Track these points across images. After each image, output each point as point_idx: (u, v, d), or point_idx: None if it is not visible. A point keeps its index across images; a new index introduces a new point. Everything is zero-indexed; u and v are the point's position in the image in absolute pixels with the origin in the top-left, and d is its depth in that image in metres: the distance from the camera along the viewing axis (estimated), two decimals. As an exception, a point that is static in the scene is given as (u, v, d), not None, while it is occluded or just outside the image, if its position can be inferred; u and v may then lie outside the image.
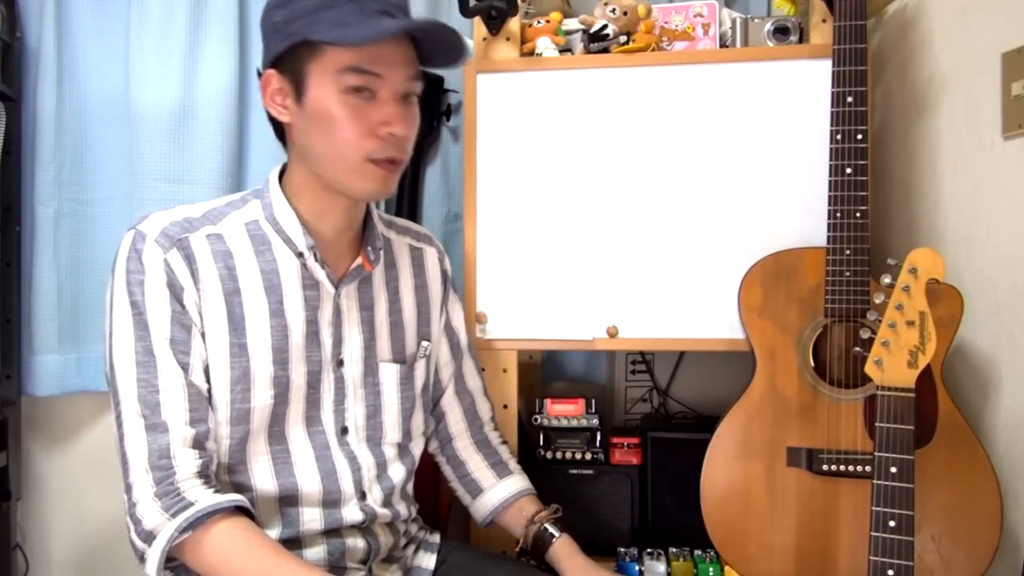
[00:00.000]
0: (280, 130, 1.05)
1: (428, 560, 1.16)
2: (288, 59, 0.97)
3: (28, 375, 1.61)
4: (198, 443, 0.94)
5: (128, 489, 0.92)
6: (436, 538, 1.20)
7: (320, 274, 1.03)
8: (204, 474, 0.94)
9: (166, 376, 0.93)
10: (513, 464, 1.25)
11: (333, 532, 1.04)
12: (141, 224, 0.97)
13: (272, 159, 1.71)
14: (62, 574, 1.75)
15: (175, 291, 0.95)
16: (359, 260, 1.06)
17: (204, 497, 0.91)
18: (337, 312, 1.05)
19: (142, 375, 0.93)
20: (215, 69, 1.59)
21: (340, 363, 1.06)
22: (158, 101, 1.57)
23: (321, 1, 0.93)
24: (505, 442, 1.29)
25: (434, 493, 1.41)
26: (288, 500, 1.01)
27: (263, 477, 1.00)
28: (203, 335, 0.97)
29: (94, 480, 1.74)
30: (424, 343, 1.16)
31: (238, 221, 1.02)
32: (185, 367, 0.95)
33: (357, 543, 1.05)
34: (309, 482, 1.02)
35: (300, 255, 1.01)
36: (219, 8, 1.59)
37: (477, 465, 1.23)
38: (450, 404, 1.24)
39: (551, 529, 1.15)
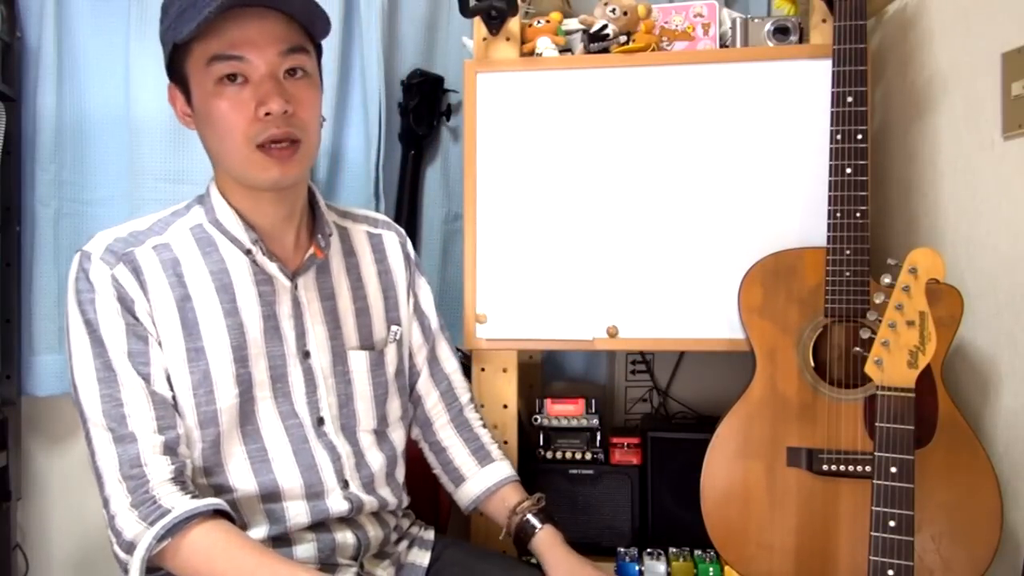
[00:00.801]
0: None
1: (422, 557, 1.16)
2: (173, 68, 1.00)
3: (28, 375, 1.61)
4: (169, 449, 0.95)
5: (105, 503, 0.93)
6: (431, 535, 1.20)
7: (271, 267, 1.03)
8: (179, 480, 0.94)
9: (128, 389, 0.94)
10: (495, 450, 1.24)
11: (321, 526, 1.04)
12: (87, 245, 0.99)
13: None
14: (62, 574, 1.75)
15: (126, 304, 0.96)
16: (311, 250, 1.07)
17: (180, 503, 0.91)
18: (296, 304, 1.05)
19: (104, 391, 0.94)
20: (215, 69, 1.59)
21: (307, 354, 1.06)
22: (158, 101, 1.56)
23: (176, 8, 0.95)
24: (485, 425, 1.27)
25: (433, 491, 1.41)
26: (270, 497, 1.01)
27: (241, 477, 1.00)
28: (160, 344, 0.98)
29: (94, 480, 1.74)
30: (394, 327, 1.16)
31: (183, 227, 1.03)
32: (146, 377, 0.96)
33: (346, 538, 1.05)
34: (289, 477, 1.02)
35: (248, 252, 1.02)
36: (219, 8, 1.59)
37: (458, 452, 1.22)
38: (426, 388, 1.23)
39: (533, 520, 1.14)
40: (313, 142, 1.01)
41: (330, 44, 1.63)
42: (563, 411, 1.54)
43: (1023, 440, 1.14)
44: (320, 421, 1.06)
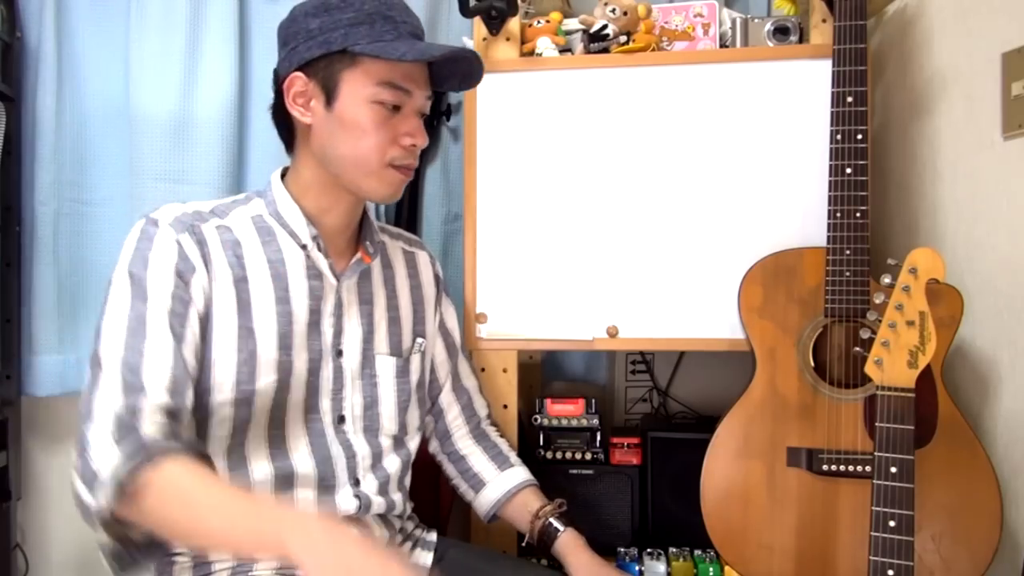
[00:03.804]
0: (285, 130, 1.09)
1: (425, 558, 1.16)
2: (320, 65, 1.01)
3: (28, 375, 1.61)
4: (171, 413, 0.91)
5: (81, 438, 0.87)
6: (433, 536, 1.21)
7: (323, 264, 1.07)
8: (169, 439, 0.88)
9: (155, 343, 0.92)
10: (514, 457, 1.27)
11: None
12: (153, 212, 1.01)
13: (271, 158, 1.72)
14: (62, 574, 1.75)
15: (181, 269, 0.97)
16: (359, 254, 1.11)
17: (162, 440, 0.86)
18: (339, 303, 1.09)
19: (130, 340, 0.92)
20: (215, 69, 1.59)
21: (339, 353, 1.09)
22: (158, 101, 1.57)
23: (357, 16, 0.99)
24: (503, 436, 1.31)
25: (434, 493, 1.41)
26: (283, 482, 1.03)
27: (259, 461, 1.02)
28: (207, 317, 0.98)
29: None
30: (419, 339, 1.20)
31: (244, 215, 1.06)
32: (179, 338, 0.94)
33: None
34: (304, 465, 1.04)
35: (304, 246, 1.06)
36: (219, 8, 1.59)
37: (478, 459, 1.25)
38: (448, 401, 1.27)
39: (556, 523, 1.16)
40: None
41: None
42: (563, 411, 1.53)
43: (1023, 440, 1.14)
44: (341, 419, 1.09)
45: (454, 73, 1.09)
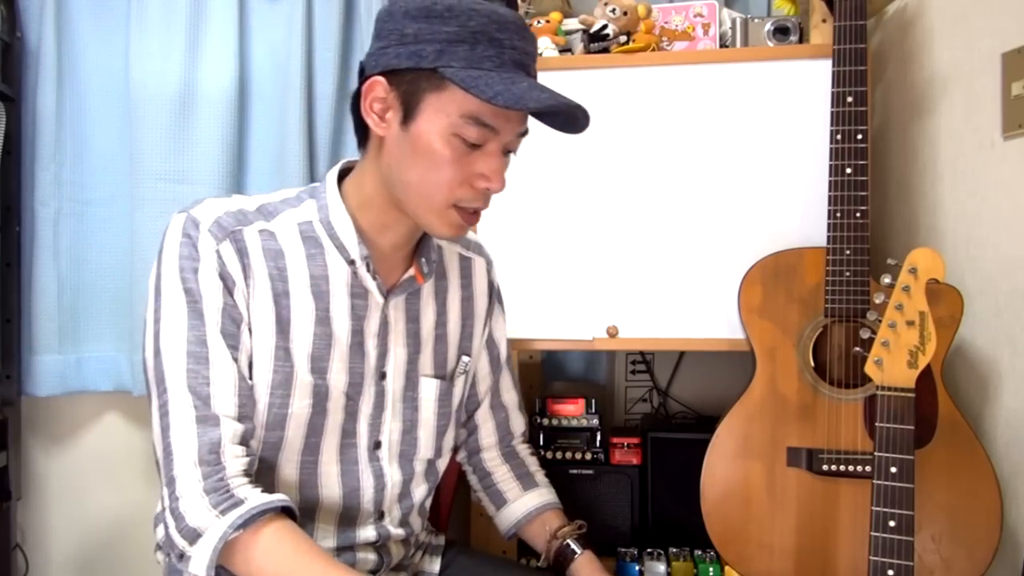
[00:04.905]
0: (360, 127, 0.98)
1: (433, 564, 1.15)
2: (405, 77, 0.89)
3: (28, 375, 1.61)
4: (245, 440, 0.91)
5: (171, 482, 0.86)
6: (441, 540, 1.20)
7: (371, 284, 0.99)
8: (249, 472, 0.90)
9: (218, 368, 0.89)
10: (540, 477, 1.22)
11: (344, 549, 1.02)
12: (194, 209, 0.93)
13: (272, 159, 1.72)
14: (62, 574, 1.75)
15: (227, 283, 0.91)
16: (411, 271, 1.02)
17: (253, 496, 0.87)
18: (384, 323, 1.01)
19: (192, 365, 0.88)
20: (215, 69, 1.59)
21: (383, 376, 1.02)
22: (158, 101, 1.57)
23: (460, 33, 0.86)
24: (534, 454, 1.25)
25: (435, 494, 1.41)
26: (306, 513, 0.98)
27: (287, 489, 0.96)
28: (250, 331, 0.93)
29: (94, 480, 1.74)
30: (464, 358, 1.13)
31: (291, 220, 0.97)
32: (235, 360, 0.91)
33: (368, 556, 1.04)
34: (330, 496, 1.00)
35: (352, 262, 0.97)
36: (219, 8, 1.59)
37: (503, 476, 1.20)
38: (484, 418, 1.20)
39: (573, 545, 1.12)
40: None
41: (330, 46, 1.63)
42: (563, 411, 1.54)
43: (1023, 440, 1.14)
44: (377, 445, 1.03)
45: (556, 111, 0.92)
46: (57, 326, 1.60)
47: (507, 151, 0.94)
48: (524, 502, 1.18)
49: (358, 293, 0.99)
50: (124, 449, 1.75)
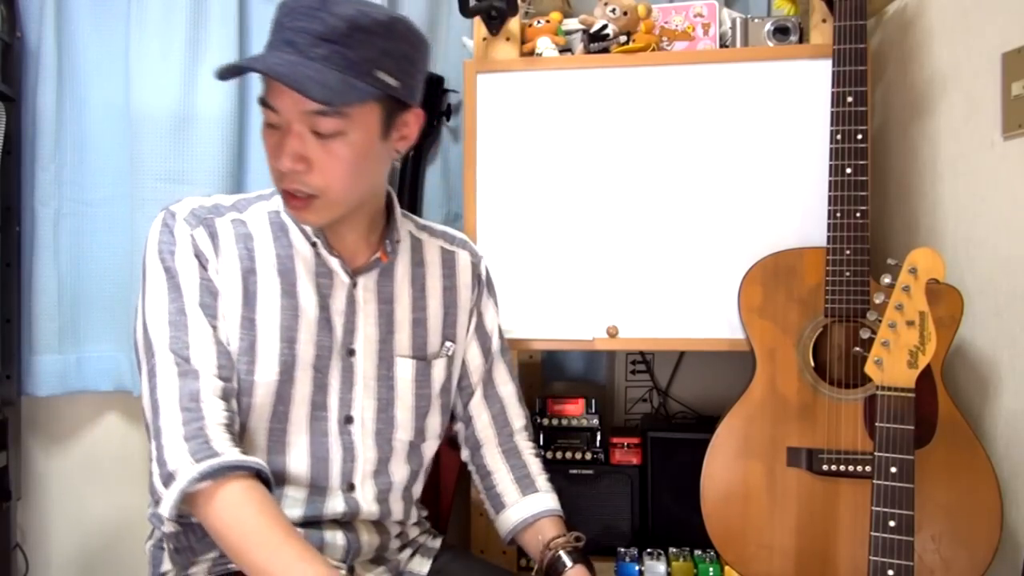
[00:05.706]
0: None
1: (422, 566, 1.15)
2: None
3: (28, 375, 1.61)
4: (226, 395, 0.97)
5: (157, 434, 0.93)
6: (437, 543, 1.19)
7: (332, 262, 1.05)
8: (230, 429, 0.95)
9: (195, 333, 0.97)
10: (541, 480, 1.19)
11: (312, 523, 1.03)
12: (173, 205, 1.03)
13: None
14: (62, 574, 1.75)
15: (201, 260, 1.00)
16: (378, 253, 1.08)
17: (230, 451, 0.92)
18: (351, 302, 1.07)
19: (174, 332, 0.97)
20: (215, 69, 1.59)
21: (351, 352, 1.07)
22: (158, 101, 1.57)
23: (273, 25, 0.94)
24: (538, 455, 1.22)
25: (434, 493, 1.41)
26: (276, 478, 1.01)
27: (256, 454, 0.99)
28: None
29: (94, 480, 1.74)
30: (448, 343, 1.15)
31: (262, 210, 1.07)
32: (214, 327, 0.99)
33: (336, 538, 1.04)
34: (298, 464, 1.03)
35: (314, 244, 1.05)
36: (219, 8, 1.59)
37: (502, 478, 1.18)
38: (478, 409, 1.21)
39: (565, 558, 1.08)
40: (337, 197, 0.97)
41: (330, 44, 1.63)
42: (563, 411, 1.54)
43: (1023, 440, 1.14)
44: (348, 419, 1.06)
45: (274, 76, 0.91)
46: (57, 326, 1.61)
47: (317, 133, 0.93)
48: (520, 508, 1.15)
49: (323, 272, 1.05)
50: (124, 449, 1.75)
